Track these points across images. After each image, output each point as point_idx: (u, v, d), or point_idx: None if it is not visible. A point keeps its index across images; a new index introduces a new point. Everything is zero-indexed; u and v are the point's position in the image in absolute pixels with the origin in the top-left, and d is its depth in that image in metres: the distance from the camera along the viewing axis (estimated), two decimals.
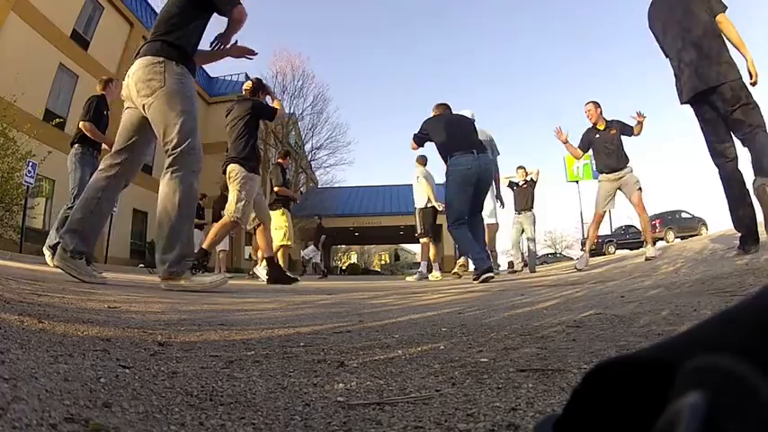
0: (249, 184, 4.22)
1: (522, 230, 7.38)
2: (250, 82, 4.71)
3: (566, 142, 5.02)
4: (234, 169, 4.21)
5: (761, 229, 2.83)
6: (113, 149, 2.58)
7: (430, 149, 4.74)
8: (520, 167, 7.55)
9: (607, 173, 4.84)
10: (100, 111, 4.54)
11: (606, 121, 4.86)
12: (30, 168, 8.54)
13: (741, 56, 2.82)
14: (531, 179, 7.43)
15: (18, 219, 9.10)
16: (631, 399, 0.20)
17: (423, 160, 6.85)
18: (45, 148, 9.88)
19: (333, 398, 0.64)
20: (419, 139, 4.58)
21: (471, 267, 5.92)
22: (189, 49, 2.54)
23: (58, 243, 3.92)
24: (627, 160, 4.81)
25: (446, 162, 4.35)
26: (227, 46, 2.77)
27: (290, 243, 6.16)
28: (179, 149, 2.40)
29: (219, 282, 2.67)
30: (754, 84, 2.81)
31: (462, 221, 4.27)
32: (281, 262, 5.69)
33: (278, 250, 5.85)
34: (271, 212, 6.44)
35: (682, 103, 2.94)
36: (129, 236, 15.39)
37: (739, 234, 2.90)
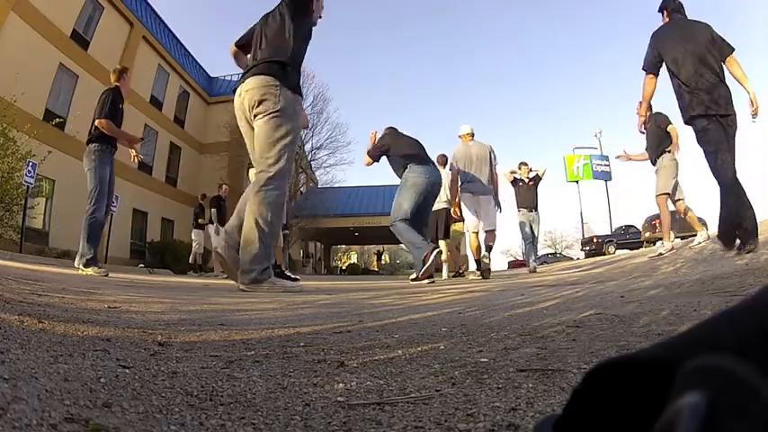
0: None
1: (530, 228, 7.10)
2: None
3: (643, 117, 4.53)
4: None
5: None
6: (258, 167, 2.68)
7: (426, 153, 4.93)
8: (523, 164, 7.27)
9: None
10: (116, 105, 4.35)
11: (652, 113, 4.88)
12: (30, 168, 8.53)
13: (744, 90, 3.15)
14: (537, 176, 7.18)
15: (18, 219, 9.10)
16: (631, 399, 0.20)
17: (443, 159, 6.61)
18: (45, 148, 9.87)
19: (333, 398, 0.64)
20: (378, 155, 4.92)
21: (473, 267, 6.03)
22: (299, 77, 2.76)
23: (94, 256, 3.97)
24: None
25: (401, 171, 4.76)
26: None
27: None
28: (276, 170, 2.54)
29: (298, 288, 2.88)
30: (755, 114, 3.18)
31: (407, 219, 4.53)
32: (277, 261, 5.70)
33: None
34: None
35: (687, 120, 3.17)
36: (129, 236, 15.39)
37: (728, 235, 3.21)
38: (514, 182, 7.25)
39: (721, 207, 3.12)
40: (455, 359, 0.87)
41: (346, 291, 3.42)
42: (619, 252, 17.40)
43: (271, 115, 2.53)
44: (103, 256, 10.78)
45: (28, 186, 8.76)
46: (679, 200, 5.13)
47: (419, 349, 0.98)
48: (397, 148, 4.82)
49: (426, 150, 4.93)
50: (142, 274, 7.20)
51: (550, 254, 34.22)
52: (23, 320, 1.02)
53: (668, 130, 4.94)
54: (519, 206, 7.22)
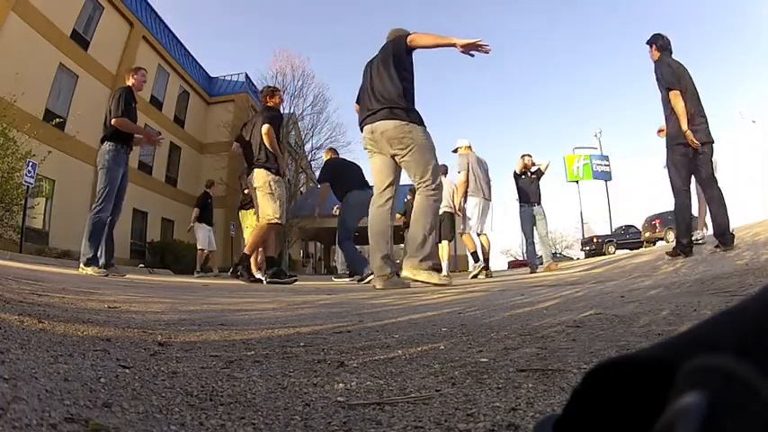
0: (279, 186, 4.68)
1: (534, 224, 6.71)
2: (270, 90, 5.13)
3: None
4: (260, 174, 4.57)
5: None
6: (379, 189, 3.41)
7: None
8: (526, 155, 6.86)
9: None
10: (129, 103, 4.32)
11: None
12: (30, 168, 8.53)
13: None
14: (539, 170, 6.82)
15: (18, 219, 9.10)
16: (631, 399, 0.20)
17: (444, 169, 6.92)
18: (45, 148, 9.88)
19: (333, 398, 0.64)
20: (326, 179, 5.99)
21: (470, 266, 6.30)
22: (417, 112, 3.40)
23: (94, 256, 3.95)
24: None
25: (343, 195, 5.64)
26: None
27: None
28: (434, 186, 3.27)
29: (447, 281, 3.35)
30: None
31: (351, 239, 5.58)
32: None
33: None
34: (243, 212, 6.56)
35: (675, 145, 3.83)
36: (130, 236, 15.39)
37: (682, 242, 3.89)
38: (516, 175, 6.91)
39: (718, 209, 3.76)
40: (455, 359, 0.87)
41: (346, 291, 3.43)
42: (619, 252, 17.40)
43: (413, 149, 3.21)
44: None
45: (28, 186, 8.76)
46: None
47: (419, 349, 0.98)
48: (340, 178, 5.77)
49: (362, 173, 5.84)
50: (142, 274, 7.20)
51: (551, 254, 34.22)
52: (23, 320, 1.02)
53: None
54: (522, 200, 6.82)
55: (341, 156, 6.84)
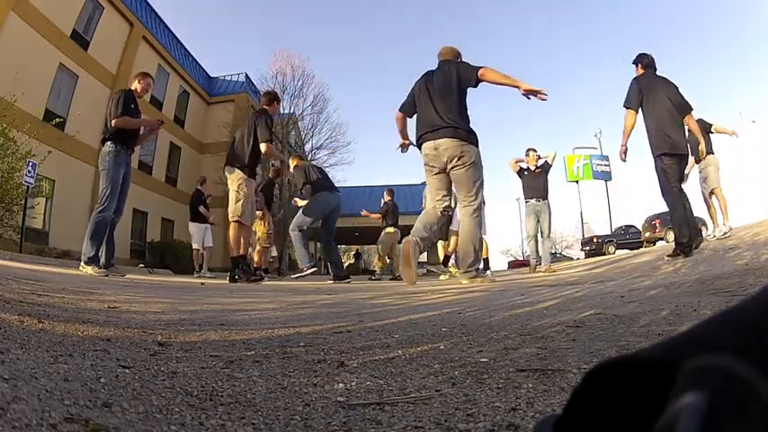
0: (248, 185, 4.75)
1: (538, 221, 6.50)
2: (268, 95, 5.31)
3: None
4: (236, 174, 4.71)
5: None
6: (438, 195, 3.76)
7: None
8: (531, 149, 6.66)
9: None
10: (129, 105, 4.27)
11: None
12: (30, 168, 8.53)
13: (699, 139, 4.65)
14: (546, 162, 6.58)
15: (18, 219, 9.09)
16: (631, 399, 0.20)
17: None
18: (45, 148, 9.87)
19: (333, 398, 0.64)
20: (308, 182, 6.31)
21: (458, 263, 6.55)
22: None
23: (95, 255, 3.97)
24: None
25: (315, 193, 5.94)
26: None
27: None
28: (477, 203, 3.64)
29: (489, 280, 3.76)
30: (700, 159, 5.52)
31: (303, 230, 5.78)
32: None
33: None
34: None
35: (656, 156, 4.03)
36: (130, 236, 15.38)
37: (682, 242, 3.90)
38: (520, 171, 6.69)
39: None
40: (455, 359, 0.87)
41: (346, 291, 3.42)
42: (619, 252, 17.39)
43: (468, 166, 3.57)
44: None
45: (28, 186, 8.75)
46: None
47: (419, 349, 0.98)
48: (316, 180, 6.05)
49: (330, 179, 6.26)
50: (142, 274, 7.20)
51: (550, 254, 34.22)
52: (23, 320, 1.02)
53: (712, 130, 5.88)
54: (526, 196, 6.61)
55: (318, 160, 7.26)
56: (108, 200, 4.14)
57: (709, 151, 5.71)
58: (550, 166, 6.67)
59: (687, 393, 0.15)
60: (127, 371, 0.72)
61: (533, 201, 6.53)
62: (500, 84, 3.62)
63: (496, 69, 3.61)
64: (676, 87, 4.11)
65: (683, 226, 3.90)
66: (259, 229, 6.58)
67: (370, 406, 0.61)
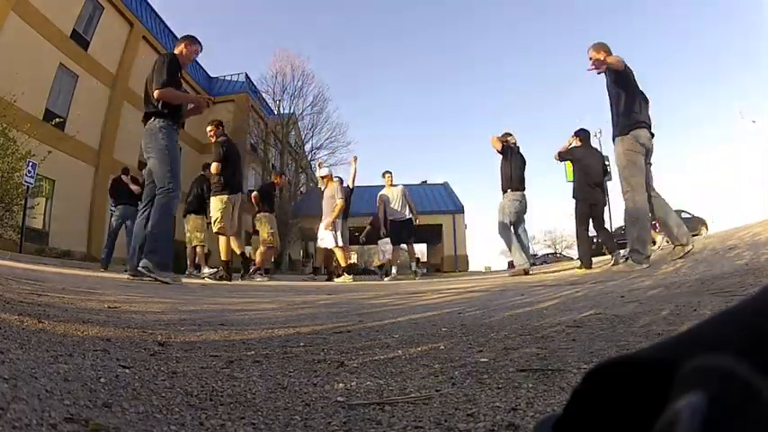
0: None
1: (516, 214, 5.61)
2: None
3: None
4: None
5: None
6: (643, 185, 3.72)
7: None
8: (507, 134, 5.80)
9: None
10: (174, 73, 3.54)
11: None
12: (30, 168, 8.53)
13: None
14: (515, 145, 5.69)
15: (18, 219, 9.09)
16: (631, 399, 0.20)
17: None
18: (45, 148, 9.87)
19: (333, 398, 0.64)
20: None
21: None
22: None
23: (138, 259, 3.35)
24: None
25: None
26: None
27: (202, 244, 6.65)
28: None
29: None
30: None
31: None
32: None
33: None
34: (258, 216, 6.69)
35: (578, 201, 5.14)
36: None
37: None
38: (504, 150, 5.65)
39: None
40: (455, 359, 0.87)
41: (346, 291, 3.42)
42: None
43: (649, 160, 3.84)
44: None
45: (28, 186, 8.75)
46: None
47: (419, 349, 0.98)
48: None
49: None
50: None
51: (550, 254, 34.19)
52: (23, 320, 1.02)
53: None
54: (511, 188, 5.60)
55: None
56: (174, 182, 3.46)
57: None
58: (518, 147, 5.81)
59: (687, 393, 0.15)
60: (127, 371, 0.72)
61: (518, 194, 5.71)
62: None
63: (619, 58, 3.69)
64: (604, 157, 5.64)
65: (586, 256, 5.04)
66: (262, 229, 6.58)
67: (370, 406, 0.61)
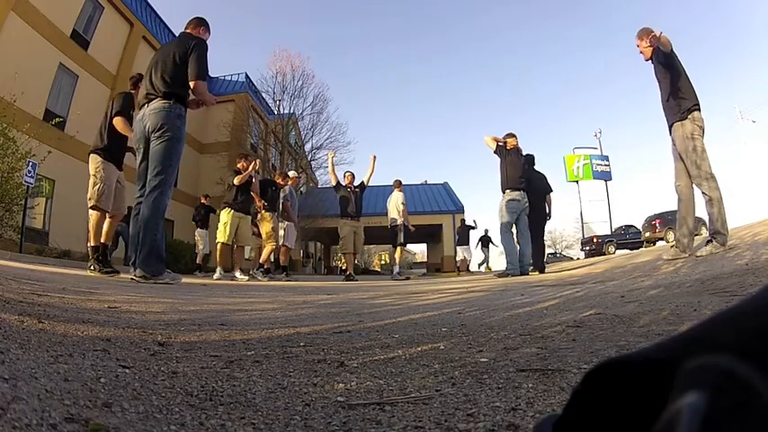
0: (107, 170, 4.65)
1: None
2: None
3: None
4: (93, 158, 4.51)
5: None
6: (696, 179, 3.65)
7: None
8: (510, 135, 5.78)
9: None
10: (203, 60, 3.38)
11: None
12: (30, 168, 8.53)
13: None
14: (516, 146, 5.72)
15: (18, 219, 9.08)
16: (631, 399, 0.20)
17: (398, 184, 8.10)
18: (45, 148, 9.86)
19: (333, 398, 0.64)
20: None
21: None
22: None
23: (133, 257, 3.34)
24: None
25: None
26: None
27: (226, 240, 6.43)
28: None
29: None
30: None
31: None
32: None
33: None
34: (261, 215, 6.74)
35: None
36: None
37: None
38: (499, 150, 5.66)
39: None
40: (455, 359, 0.87)
41: (346, 291, 3.42)
42: (619, 252, 17.39)
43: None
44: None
45: (28, 186, 8.75)
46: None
47: (419, 349, 0.98)
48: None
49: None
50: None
51: (550, 254, 34.22)
52: (23, 320, 1.02)
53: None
54: (510, 187, 5.56)
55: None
56: (169, 179, 3.24)
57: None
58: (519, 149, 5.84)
59: (687, 393, 0.15)
60: (127, 371, 0.72)
61: (517, 193, 5.69)
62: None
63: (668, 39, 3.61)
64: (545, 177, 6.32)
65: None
66: (263, 227, 6.56)
67: (370, 406, 0.61)
